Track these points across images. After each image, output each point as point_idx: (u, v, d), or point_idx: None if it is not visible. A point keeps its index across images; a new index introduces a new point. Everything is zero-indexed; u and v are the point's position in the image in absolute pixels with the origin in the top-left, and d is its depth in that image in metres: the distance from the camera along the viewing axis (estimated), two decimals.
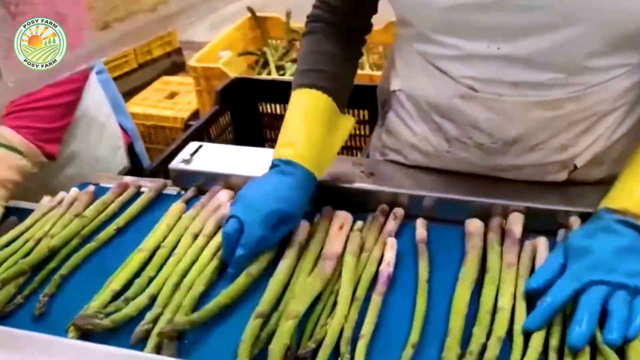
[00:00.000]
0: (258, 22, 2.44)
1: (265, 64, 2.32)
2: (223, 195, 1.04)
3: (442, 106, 0.95)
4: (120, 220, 1.00)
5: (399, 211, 0.98)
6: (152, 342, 0.76)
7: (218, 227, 0.96)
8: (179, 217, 1.00)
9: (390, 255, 0.88)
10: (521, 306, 0.78)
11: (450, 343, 0.73)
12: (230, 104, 1.75)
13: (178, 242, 0.94)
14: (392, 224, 0.95)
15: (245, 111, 1.80)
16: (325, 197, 1.00)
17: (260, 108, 1.82)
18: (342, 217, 0.96)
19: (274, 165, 0.92)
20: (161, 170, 1.32)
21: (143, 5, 0.81)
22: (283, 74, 2.21)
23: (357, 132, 1.75)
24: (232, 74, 1.96)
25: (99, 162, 1.27)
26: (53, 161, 1.16)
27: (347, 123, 1.00)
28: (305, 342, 0.76)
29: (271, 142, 1.85)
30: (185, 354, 0.76)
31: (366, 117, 1.73)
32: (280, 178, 0.90)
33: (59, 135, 1.17)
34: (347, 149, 1.80)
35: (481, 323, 0.76)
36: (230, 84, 1.74)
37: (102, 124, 1.34)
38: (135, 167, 1.38)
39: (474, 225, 0.92)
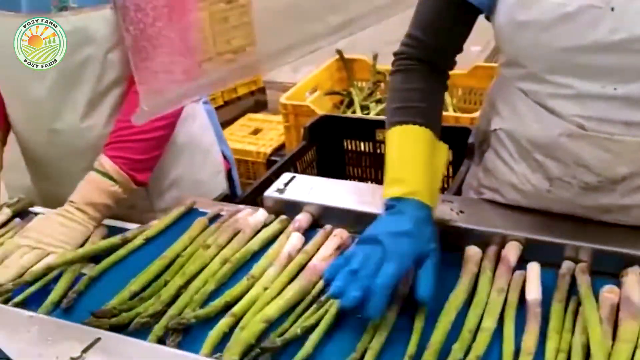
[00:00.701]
0: (345, 64, 2.52)
1: (350, 104, 2.38)
2: (243, 213, 1.14)
3: (546, 144, 0.96)
4: (149, 232, 1.12)
5: None
6: (154, 334, 0.87)
7: (230, 239, 1.08)
8: (201, 231, 1.10)
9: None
10: (509, 328, 0.84)
11: (427, 357, 0.80)
12: (317, 140, 1.80)
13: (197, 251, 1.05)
14: None
15: (330, 147, 1.85)
16: None
17: (345, 144, 1.87)
18: (341, 236, 1.06)
19: (390, 206, 0.94)
20: (253, 197, 1.39)
21: (232, 47, 0.88)
22: (367, 114, 2.26)
23: None
24: (319, 111, 2.03)
25: (201, 186, 1.35)
26: (144, 187, 1.25)
27: (444, 150, 1.02)
28: (274, 337, 0.84)
29: (353, 178, 1.89)
30: (186, 347, 0.85)
31: (450, 158, 1.74)
32: (401, 217, 0.91)
33: (150, 165, 1.25)
34: None
35: (461, 341, 0.82)
36: (318, 120, 1.80)
37: (206, 150, 1.43)
38: (230, 194, 1.45)
39: (471, 251, 0.99)
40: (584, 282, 0.89)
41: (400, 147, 0.99)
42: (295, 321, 0.89)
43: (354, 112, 2.31)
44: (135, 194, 1.25)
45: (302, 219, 1.12)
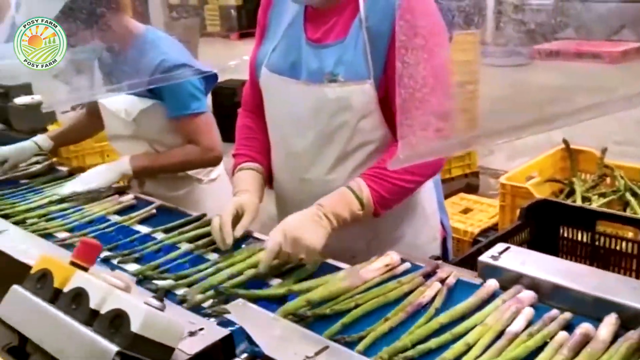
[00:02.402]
0: (570, 154, 2.51)
1: (570, 194, 2.36)
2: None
3: None
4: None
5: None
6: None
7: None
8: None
9: (429, 293, 1.18)
10: (482, 342, 1.03)
11: (405, 340, 1.03)
12: (532, 222, 1.82)
13: None
14: (444, 274, 1.23)
15: (545, 232, 1.85)
16: None
17: (561, 231, 1.85)
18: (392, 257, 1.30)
19: None
20: (463, 263, 1.46)
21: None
22: (589, 205, 2.22)
23: None
24: (538, 195, 2.05)
25: (417, 248, 1.47)
26: (378, 218, 1.40)
27: None
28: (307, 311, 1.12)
29: None
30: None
31: None
32: None
33: (390, 206, 1.41)
34: None
35: (439, 338, 1.05)
36: (536, 203, 1.83)
37: (427, 216, 1.56)
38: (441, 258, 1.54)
39: (489, 282, 1.20)
40: None
41: None
42: (330, 307, 1.14)
43: (574, 201, 2.27)
44: (358, 246, 1.40)
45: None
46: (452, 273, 1.23)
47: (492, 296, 1.17)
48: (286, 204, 1.62)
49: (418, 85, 0.75)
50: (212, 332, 1.05)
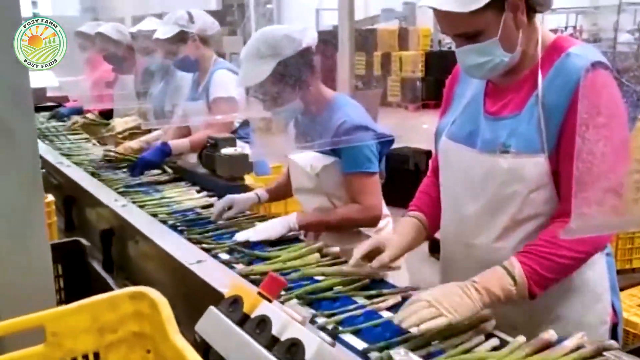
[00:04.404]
0: None
1: None
2: None
3: None
4: None
5: None
6: None
7: None
8: None
9: None
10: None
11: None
12: None
13: None
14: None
15: None
16: None
17: None
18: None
19: None
20: (636, 353, 1.39)
21: None
22: None
23: None
24: None
25: (583, 329, 1.36)
26: (533, 300, 1.37)
27: None
28: None
29: None
30: None
31: None
32: None
33: (547, 284, 1.38)
34: None
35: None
36: None
37: (597, 296, 1.51)
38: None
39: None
40: None
41: None
42: None
43: None
44: (519, 319, 1.39)
45: None
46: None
47: None
48: (450, 270, 1.66)
49: (597, 160, 0.79)
50: None
